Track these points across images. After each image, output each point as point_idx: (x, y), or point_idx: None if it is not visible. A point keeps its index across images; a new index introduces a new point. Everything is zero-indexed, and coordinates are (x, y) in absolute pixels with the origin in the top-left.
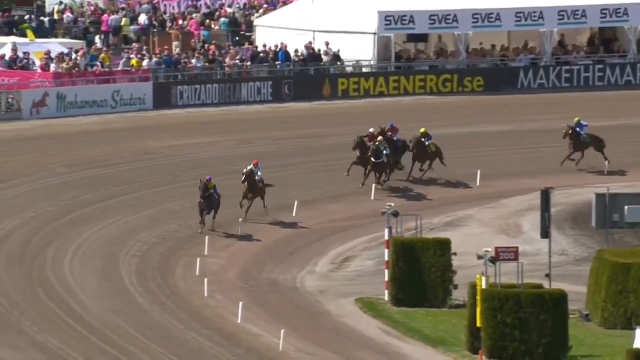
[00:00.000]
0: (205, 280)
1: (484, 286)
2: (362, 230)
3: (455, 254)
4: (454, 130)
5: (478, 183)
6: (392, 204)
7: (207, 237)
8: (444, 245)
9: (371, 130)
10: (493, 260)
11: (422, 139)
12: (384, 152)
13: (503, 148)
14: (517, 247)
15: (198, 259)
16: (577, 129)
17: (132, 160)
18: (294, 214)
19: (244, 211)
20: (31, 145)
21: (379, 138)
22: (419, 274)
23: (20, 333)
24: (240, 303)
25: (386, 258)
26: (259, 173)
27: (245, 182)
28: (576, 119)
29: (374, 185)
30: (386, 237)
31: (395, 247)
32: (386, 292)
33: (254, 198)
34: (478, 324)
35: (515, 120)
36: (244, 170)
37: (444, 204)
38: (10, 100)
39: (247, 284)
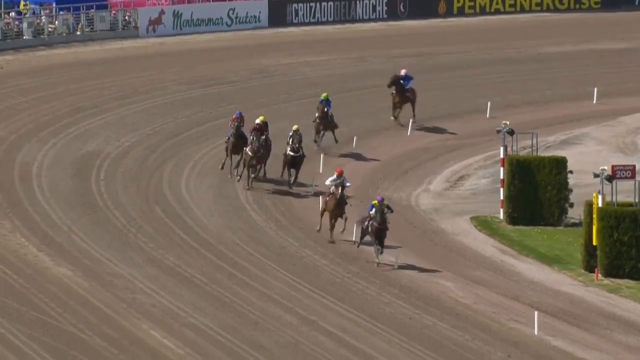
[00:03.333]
0: (321, 198)
1: (600, 205)
2: (477, 148)
3: (571, 172)
4: (570, 47)
5: (595, 101)
6: (508, 122)
7: (322, 155)
8: (560, 164)
9: (257, 121)
10: (610, 178)
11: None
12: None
13: (620, 66)
14: (634, 165)
15: (313, 177)
16: (326, 109)
17: (247, 78)
18: (408, 133)
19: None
20: (148, 62)
21: (295, 127)
22: (535, 193)
23: (138, 250)
24: (355, 221)
25: (501, 176)
26: (347, 184)
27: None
28: (324, 94)
29: (489, 104)
30: (501, 156)
31: (511, 165)
32: (501, 210)
33: (339, 215)
34: (594, 243)
35: (632, 38)
36: (330, 182)
37: (559, 122)
38: (127, 18)
39: (362, 202)
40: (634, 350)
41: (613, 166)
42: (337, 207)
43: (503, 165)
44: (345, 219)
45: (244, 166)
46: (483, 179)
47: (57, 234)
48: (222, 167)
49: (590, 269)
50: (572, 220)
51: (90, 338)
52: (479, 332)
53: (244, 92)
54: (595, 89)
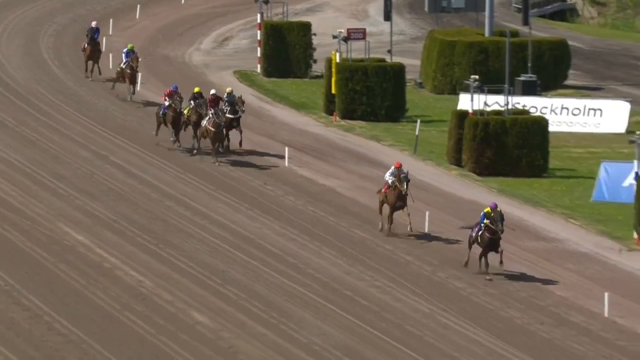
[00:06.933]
0: (110, 55)
1: (338, 60)
2: (239, 14)
3: (314, 34)
4: None
5: None
6: None
7: (111, 20)
8: (305, 28)
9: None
10: (345, 39)
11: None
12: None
13: None
14: (364, 29)
15: (104, 38)
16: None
17: None
18: (183, 2)
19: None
20: None
21: (228, 90)
22: (286, 51)
23: None
24: (140, 74)
25: (259, 38)
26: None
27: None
28: (130, 45)
29: None
30: (259, 21)
31: (266, 29)
32: (259, 65)
33: (400, 208)
34: (333, 92)
35: None
36: (389, 175)
37: None
38: None
39: (145, 59)
40: (365, 177)
41: (348, 29)
42: (399, 201)
43: (260, 29)
44: (408, 214)
45: (200, 138)
46: (244, 40)
47: None
48: (157, 134)
49: (329, 112)
50: (316, 74)
51: None
52: (237, 167)
53: None
54: None
